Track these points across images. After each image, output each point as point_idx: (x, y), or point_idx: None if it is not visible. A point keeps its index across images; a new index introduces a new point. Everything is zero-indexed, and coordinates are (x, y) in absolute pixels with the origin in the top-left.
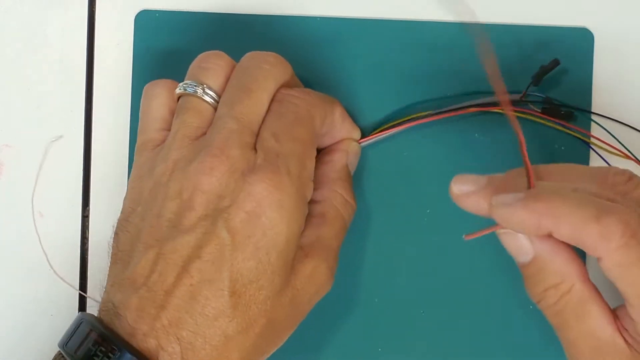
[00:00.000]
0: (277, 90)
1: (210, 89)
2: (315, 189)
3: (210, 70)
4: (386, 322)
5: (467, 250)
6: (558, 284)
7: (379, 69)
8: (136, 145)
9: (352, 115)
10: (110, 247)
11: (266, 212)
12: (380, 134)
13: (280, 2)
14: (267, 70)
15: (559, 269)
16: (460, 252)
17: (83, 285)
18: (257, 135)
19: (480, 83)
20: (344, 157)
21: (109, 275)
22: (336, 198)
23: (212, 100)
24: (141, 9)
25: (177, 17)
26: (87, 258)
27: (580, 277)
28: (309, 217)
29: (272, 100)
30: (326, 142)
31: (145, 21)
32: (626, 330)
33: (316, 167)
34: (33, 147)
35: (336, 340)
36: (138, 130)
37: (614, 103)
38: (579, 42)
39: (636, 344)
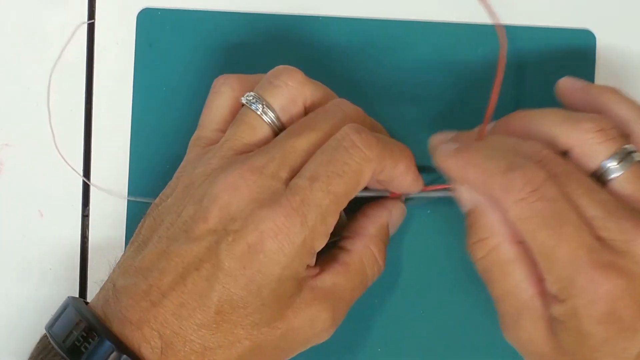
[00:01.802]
0: (344, 129)
1: (270, 108)
2: (349, 237)
3: (278, 88)
4: (386, 322)
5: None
6: (486, 238)
7: (392, 69)
8: (192, 137)
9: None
10: (137, 227)
11: (265, 250)
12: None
13: (283, 0)
14: (340, 119)
15: (489, 225)
16: (460, 252)
17: (83, 285)
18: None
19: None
20: (387, 216)
21: (124, 254)
22: (366, 254)
23: (270, 121)
24: (143, 7)
25: (179, 15)
26: (87, 258)
27: (508, 237)
28: (332, 263)
29: (331, 137)
30: (382, 185)
31: (147, 19)
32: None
33: (358, 218)
34: (33, 146)
35: (336, 340)
36: (198, 123)
37: None
38: (581, 44)
39: (550, 303)
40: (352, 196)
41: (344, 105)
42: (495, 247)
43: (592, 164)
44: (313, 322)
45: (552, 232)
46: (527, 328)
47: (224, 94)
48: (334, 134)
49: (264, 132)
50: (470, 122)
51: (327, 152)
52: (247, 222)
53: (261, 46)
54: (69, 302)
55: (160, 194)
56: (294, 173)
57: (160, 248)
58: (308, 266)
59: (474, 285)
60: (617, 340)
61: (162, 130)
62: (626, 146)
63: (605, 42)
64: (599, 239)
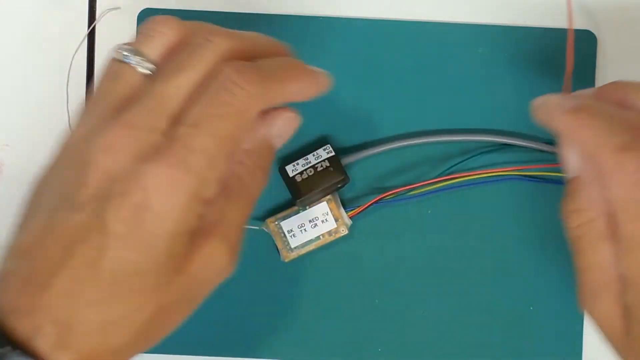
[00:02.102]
0: (222, 62)
1: (147, 59)
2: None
3: (153, 37)
4: (386, 322)
5: (468, 251)
6: (584, 209)
7: (386, 69)
8: None
9: (360, 117)
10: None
11: (154, 207)
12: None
13: (282, 1)
14: (210, 50)
15: (592, 198)
16: (460, 252)
17: None
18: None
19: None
20: (266, 130)
21: (14, 230)
22: (244, 171)
23: (149, 72)
24: (144, 8)
25: (179, 16)
26: None
27: (606, 214)
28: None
29: (208, 75)
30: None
31: None
32: None
33: None
34: (33, 147)
35: (336, 340)
36: None
37: None
38: (582, 44)
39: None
40: (240, 137)
41: (214, 36)
42: (591, 220)
43: None
44: (210, 262)
45: None
46: (605, 306)
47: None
48: (210, 71)
49: (141, 83)
50: (471, 122)
51: (207, 95)
52: (130, 181)
53: None
54: None
55: (51, 156)
56: (174, 120)
57: (41, 222)
58: (200, 216)
59: (475, 286)
60: None
61: None
62: None
63: (606, 43)
64: None
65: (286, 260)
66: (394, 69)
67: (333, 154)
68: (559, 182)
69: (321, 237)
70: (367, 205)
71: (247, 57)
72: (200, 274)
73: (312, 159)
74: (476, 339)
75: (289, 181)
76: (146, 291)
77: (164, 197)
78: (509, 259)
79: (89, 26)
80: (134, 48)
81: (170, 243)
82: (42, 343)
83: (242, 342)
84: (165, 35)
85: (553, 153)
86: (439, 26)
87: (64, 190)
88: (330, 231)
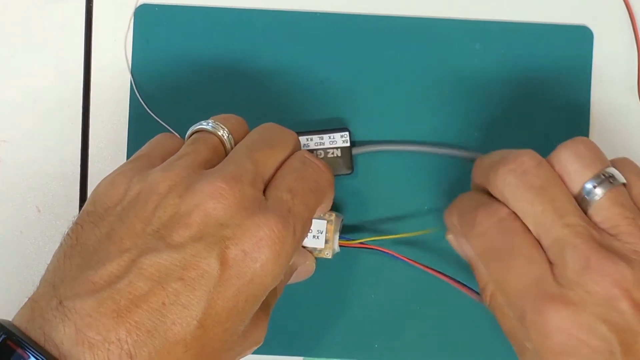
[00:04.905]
0: (299, 149)
1: (229, 132)
2: None
3: (231, 121)
4: (382, 318)
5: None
6: (484, 286)
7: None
8: (130, 158)
9: (357, 120)
10: (65, 238)
11: (262, 259)
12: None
13: None
14: (287, 138)
15: (483, 275)
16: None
17: None
18: (269, 185)
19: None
20: (300, 263)
21: (57, 267)
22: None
23: (229, 145)
24: (141, 3)
25: (176, 11)
26: None
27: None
28: None
29: (290, 157)
30: None
31: (145, 15)
32: None
33: None
34: (30, 143)
35: (333, 336)
36: (137, 153)
37: (613, 101)
38: (579, 40)
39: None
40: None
41: (285, 131)
42: (492, 293)
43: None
44: (258, 335)
45: (503, 264)
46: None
47: (170, 137)
48: (288, 155)
49: (221, 149)
50: (468, 119)
51: (298, 171)
52: (242, 228)
53: (258, 42)
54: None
55: (90, 202)
56: (265, 186)
57: (126, 258)
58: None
59: (471, 283)
60: None
61: (160, 126)
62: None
63: (602, 39)
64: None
65: None
66: (391, 65)
67: (348, 144)
68: None
69: (305, 249)
70: (359, 245)
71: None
72: (250, 343)
73: (326, 140)
74: (472, 335)
75: None
76: (217, 342)
77: (271, 250)
78: None
79: (86, 22)
80: (216, 122)
81: (260, 298)
82: None
83: None
84: (236, 119)
85: None
86: (436, 22)
87: (155, 230)
88: (315, 249)
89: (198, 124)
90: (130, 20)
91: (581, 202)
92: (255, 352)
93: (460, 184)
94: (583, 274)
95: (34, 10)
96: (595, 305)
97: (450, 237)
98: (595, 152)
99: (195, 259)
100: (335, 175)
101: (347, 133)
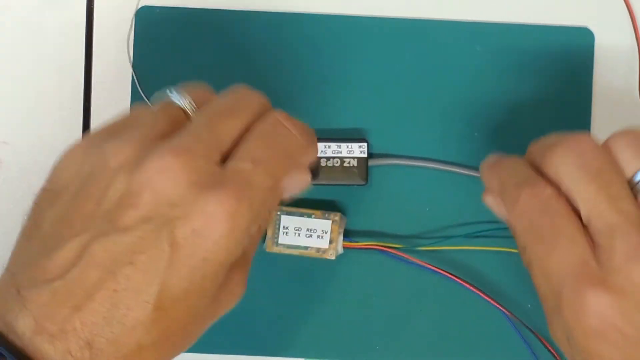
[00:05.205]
0: (270, 112)
1: (191, 100)
2: None
3: (195, 90)
4: (383, 320)
5: (465, 249)
6: (523, 249)
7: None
8: (86, 134)
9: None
10: (25, 219)
11: (213, 237)
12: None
13: None
14: (253, 100)
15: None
16: (458, 250)
17: None
18: (231, 154)
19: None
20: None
21: (16, 251)
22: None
23: (186, 106)
24: (141, 5)
25: (178, 14)
26: None
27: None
28: None
29: (261, 118)
30: None
31: (146, 17)
32: None
33: None
34: (31, 144)
35: (334, 338)
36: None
37: (614, 102)
38: (580, 41)
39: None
40: (287, 182)
41: (251, 94)
42: (529, 262)
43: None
44: (234, 291)
45: (545, 246)
46: (555, 333)
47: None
48: (255, 119)
49: (182, 119)
50: (467, 120)
51: (264, 137)
52: (192, 206)
53: (259, 44)
54: None
55: (50, 178)
56: (224, 157)
57: (77, 243)
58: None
59: (473, 283)
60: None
61: None
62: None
63: (603, 40)
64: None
65: (267, 250)
66: (391, 67)
67: (365, 155)
68: None
69: (309, 249)
70: (363, 246)
71: None
72: (226, 301)
73: (344, 149)
74: (473, 337)
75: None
76: (182, 319)
77: (223, 227)
78: (507, 257)
79: (86, 24)
80: (179, 89)
81: (219, 272)
82: None
83: (234, 339)
84: (204, 92)
85: None
86: (435, 24)
87: (105, 211)
88: (319, 249)
89: (161, 90)
90: (131, 22)
91: (632, 189)
92: (255, 354)
93: (470, 202)
94: (631, 262)
95: (35, 11)
96: (637, 294)
97: (488, 199)
98: None
99: (144, 242)
100: (349, 185)
101: (365, 144)
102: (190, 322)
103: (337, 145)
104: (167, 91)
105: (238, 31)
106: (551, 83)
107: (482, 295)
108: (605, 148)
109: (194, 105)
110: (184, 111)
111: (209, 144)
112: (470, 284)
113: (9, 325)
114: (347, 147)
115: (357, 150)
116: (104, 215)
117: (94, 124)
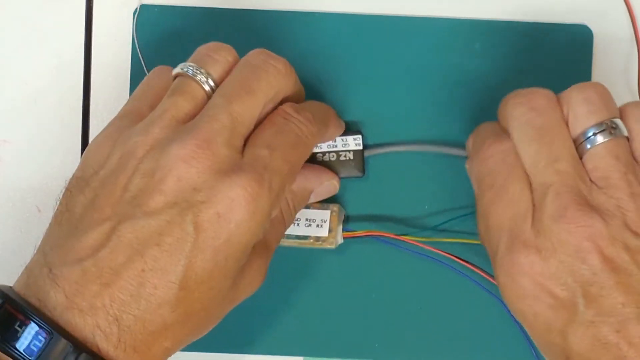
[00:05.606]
0: (280, 104)
1: (212, 78)
2: None
3: (217, 61)
4: (383, 317)
5: (465, 246)
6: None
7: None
8: (120, 112)
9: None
10: (58, 203)
11: (236, 219)
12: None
13: None
14: (274, 75)
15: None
16: (458, 247)
17: None
18: (248, 140)
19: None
20: (315, 184)
21: (48, 234)
22: (286, 207)
23: (210, 90)
24: (140, 4)
25: (177, 12)
26: None
27: None
28: None
29: (272, 112)
30: None
31: (145, 16)
32: None
33: None
34: (31, 143)
35: (333, 336)
36: (130, 98)
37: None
38: (578, 39)
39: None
40: (301, 167)
41: (273, 59)
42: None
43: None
44: (255, 278)
45: (492, 198)
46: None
47: (160, 74)
48: (272, 92)
49: (204, 102)
50: (467, 118)
51: (279, 126)
52: (215, 190)
53: (260, 44)
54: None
55: (80, 167)
56: (244, 139)
57: (107, 226)
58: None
59: (472, 281)
60: None
61: None
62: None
63: (602, 37)
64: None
65: None
66: (390, 65)
67: (361, 148)
68: None
69: (308, 238)
70: (363, 234)
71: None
72: (245, 287)
73: (339, 143)
74: (473, 335)
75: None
76: (204, 300)
77: (245, 209)
78: None
79: (86, 23)
80: (199, 66)
81: (242, 254)
82: (101, 342)
83: (234, 338)
84: (229, 62)
85: None
86: (435, 21)
87: (132, 196)
88: (319, 237)
89: (179, 67)
90: (131, 21)
91: (579, 147)
92: (255, 352)
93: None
94: (558, 222)
95: (34, 10)
96: (565, 255)
97: (467, 164)
98: (605, 100)
99: (170, 225)
100: (346, 178)
101: (360, 136)
102: (213, 305)
103: (332, 139)
104: (185, 67)
105: (237, 29)
106: (550, 80)
107: (483, 274)
108: (560, 102)
109: (214, 82)
110: (203, 88)
111: (231, 130)
112: (471, 264)
113: (42, 301)
114: (342, 140)
115: (352, 143)
116: (131, 200)
117: (94, 122)
